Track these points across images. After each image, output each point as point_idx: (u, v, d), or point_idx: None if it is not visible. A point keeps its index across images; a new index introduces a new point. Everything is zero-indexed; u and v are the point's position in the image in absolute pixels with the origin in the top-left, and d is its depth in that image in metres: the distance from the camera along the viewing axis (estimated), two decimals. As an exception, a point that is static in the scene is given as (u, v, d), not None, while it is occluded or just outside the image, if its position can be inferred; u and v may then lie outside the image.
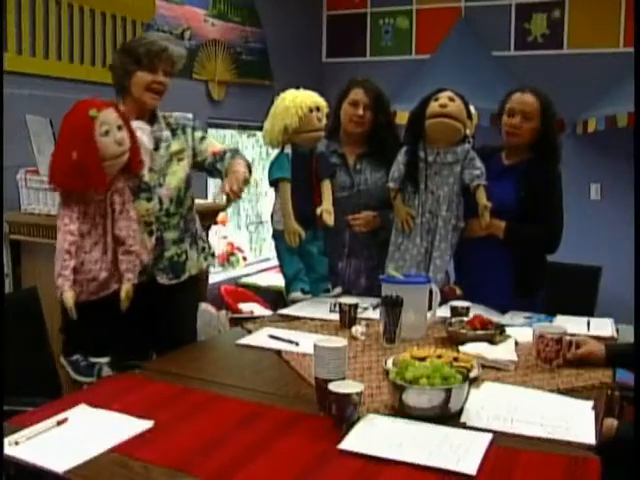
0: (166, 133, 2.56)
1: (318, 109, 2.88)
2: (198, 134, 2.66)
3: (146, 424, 1.68)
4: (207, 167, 2.65)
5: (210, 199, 4.46)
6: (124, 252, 2.38)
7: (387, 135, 3.11)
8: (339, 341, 1.86)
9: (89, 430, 1.65)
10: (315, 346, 1.82)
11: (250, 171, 2.55)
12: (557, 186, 2.90)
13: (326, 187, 2.89)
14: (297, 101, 2.84)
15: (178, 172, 2.57)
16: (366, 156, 3.16)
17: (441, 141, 2.88)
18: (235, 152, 2.63)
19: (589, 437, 1.66)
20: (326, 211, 2.80)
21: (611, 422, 1.84)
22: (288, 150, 2.89)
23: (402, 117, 4.25)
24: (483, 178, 2.84)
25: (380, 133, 3.11)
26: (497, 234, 2.84)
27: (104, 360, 2.37)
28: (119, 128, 2.29)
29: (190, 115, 2.67)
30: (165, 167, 2.54)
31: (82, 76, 3.68)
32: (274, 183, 2.90)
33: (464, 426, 1.70)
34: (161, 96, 2.52)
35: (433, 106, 2.84)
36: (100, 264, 2.34)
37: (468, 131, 2.91)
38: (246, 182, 2.46)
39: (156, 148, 2.52)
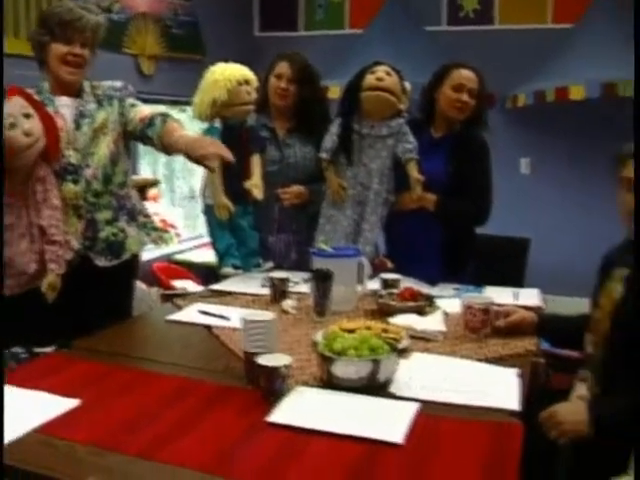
0: (92, 106, 2.46)
1: (247, 82, 2.84)
2: (128, 102, 2.56)
3: (72, 403, 1.64)
4: (138, 134, 2.54)
5: (140, 175, 4.37)
6: (47, 242, 2.30)
7: (315, 109, 3.09)
8: (267, 315, 1.85)
9: (13, 411, 1.59)
10: (243, 320, 1.81)
11: None
12: (486, 159, 2.94)
13: (256, 161, 2.86)
14: (226, 74, 2.80)
15: (102, 148, 2.47)
16: (295, 130, 3.14)
17: (376, 114, 2.88)
18: (165, 116, 2.50)
19: (513, 403, 1.69)
20: (255, 185, 2.77)
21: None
22: (217, 124, 2.85)
23: (334, 92, 4.26)
24: (415, 152, 2.85)
25: (307, 107, 3.08)
26: (427, 207, 2.87)
27: (49, 349, 2.29)
28: (26, 116, 2.20)
29: (118, 84, 2.56)
30: (89, 145, 2.45)
31: (5, 48, 3.54)
32: (204, 157, 2.85)
33: (393, 396, 1.71)
34: (80, 69, 2.41)
35: (369, 79, 2.84)
36: (29, 256, 2.27)
37: (402, 106, 2.92)
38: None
39: (78, 126, 2.43)
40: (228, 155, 2.32)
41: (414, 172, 2.82)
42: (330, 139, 2.94)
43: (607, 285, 1.98)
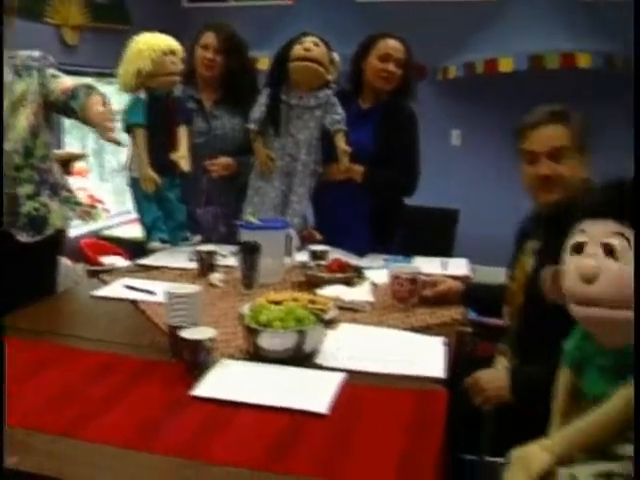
0: (9, 77, 2.37)
1: (173, 53, 2.78)
2: (48, 72, 2.45)
3: (-9, 382, 1.59)
4: (61, 107, 2.44)
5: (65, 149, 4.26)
6: None
7: (242, 80, 3.05)
8: (190, 288, 1.82)
9: None
10: (166, 293, 1.77)
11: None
12: (414, 130, 2.95)
13: (182, 133, 2.82)
14: (150, 44, 2.73)
15: (22, 121, 2.37)
16: (222, 101, 3.09)
17: (304, 85, 2.86)
18: (88, 88, 2.40)
19: (439, 371, 1.71)
20: (182, 157, 2.73)
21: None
22: (143, 95, 2.78)
23: (263, 63, 4.21)
24: (343, 123, 2.85)
25: (234, 77, 3.04)
26: (355, 178, 2.87)
27: None
28: None
29: (37, 53, 2.46)
30: (8, 117, 2.34)
31: None
32: (129, 129, 2.79)
33: (319, 367, 1.71)
34: None
35: (297, 49, 2.81)
36: None
37: (330, 77, 2.90)
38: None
39: None
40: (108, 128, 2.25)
41: (341, 143, 2.81)
42: (258, 110, 2.91)
43: (520, 258, 2.02)
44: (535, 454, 1.35)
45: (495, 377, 1.86)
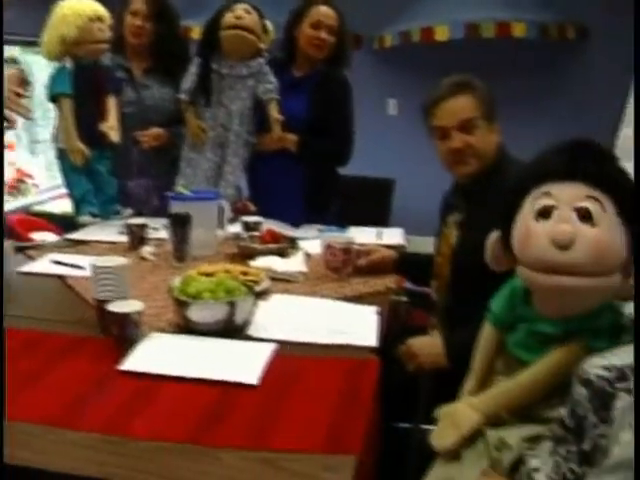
0: None
1: (100, 19, 2.69)
2: None
3: None
4: None
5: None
6: None
7: (172, 48, 2.98)
8: (117, 260, 1.77)
9: None
10: (92, 266, 1.73)
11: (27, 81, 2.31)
12: (348, 99, 2.92)
13: (111, 103, 2.74)
14: (75, 9, 2.64)
15: None
16: (152, 70, 3.02)
17: (235, 54, 2.81)
18: (13, 62, 2.34)
19: (371, 340, 1.71)
20: (111, 128, 2.66)
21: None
22: (68, 64, 2.69)
23: (196, 32, 4.11)
24: (276, 92, 2.81)
25: (164, 45, 2.96)
26: (289, 148, 2.84)
27: None
28: None
29: None
30: None
31: None
32: (54, 99, 2.70)
33: (250, 338, 1.69)
34: None
35: (228, 17, 2.75)
36: None
37: (263, 45, 2.85)
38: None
39: None
40: None
41: (274, 112, 2.78)
42: (189, 79, 2.85)
43: (444, 231, 2.03)
44: (465, 412, 1.36)
45: (430, 344, 1.87)
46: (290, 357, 1.59)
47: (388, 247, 2.39)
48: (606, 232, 1.20)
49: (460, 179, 1.96)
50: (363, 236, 2.54)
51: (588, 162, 1.25)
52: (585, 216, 1.20)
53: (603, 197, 1.22)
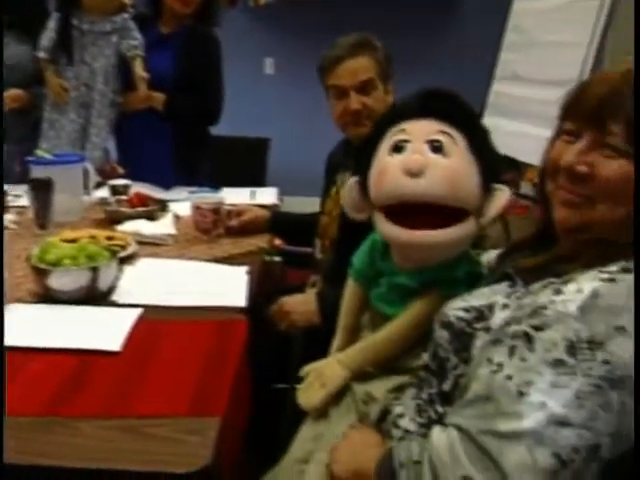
0: None
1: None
2: None
3: None
4: None
5: None
6: None
7: (26, 2, 2.82)
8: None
9: None
10: (-62, 236, 1.63)
11: None
12: (216, 56, 2.86)
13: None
14: None
15: None
16: (8, 27, 2.86)
17: (97, 9, 2.70)
18: None
19: (240, 300, 1.69)
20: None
21: None
22: None
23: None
24: (141, 49, 2.72)
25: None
26: (156, 107, 2.76)
27: None
28: None
29: None
30: None
31: None
32: None
33: (115, 304, 1.64)
34: None
35: None
36: None
37: (127, 0, 2.74)
38: None
39: None
40: None
41: (139, 70, 2.69)
42: (48, 36, 2.71)
43: (331, 190, 2.02)
44: (331, 369, 1.37)
45: (303, 301, 1.87)
46: (156, 321, 1.55)
47: (261, 207, 2.37)
48: (457, 162, 1.23)
49: (354, 139, 1.96)
50: (236, 197, 2.51)
51: (441, 101, 1.29)
52: (437, 148, 1.23)
53: (455, 132, 1.25)
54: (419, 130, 1.26)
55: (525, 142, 2.74)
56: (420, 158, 1.22)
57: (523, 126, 3.06)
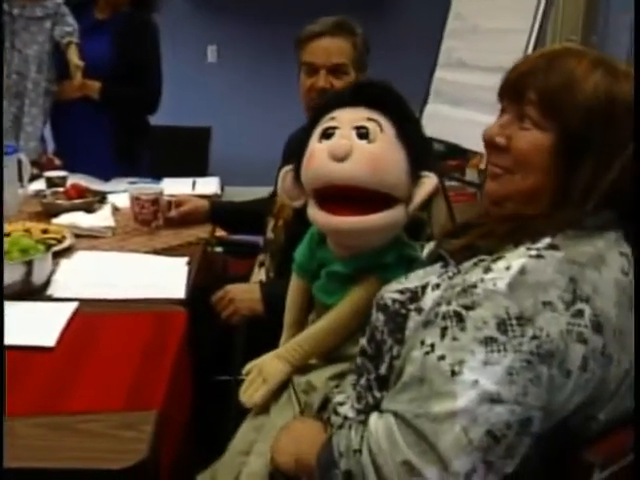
0: None
1: None
2: None
3: None
4: None
5: None
6: None
7: None
8: None
9: None
10: None
11: None
12: (154, 42, 2.81)
13: None
14: None
15: None
16: None
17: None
18: None
19: (179, 292, 1.67)
20: None
21: None
22: None
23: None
24: (76, 35, 2.64)
25: None
26: (92, 96, 2.69)
27: None
28: None
29: None
30: None
31: None
32: None
33: (51, 299, 1.60)
34: None
35: None
36: None
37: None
38: None
39: None
40: None
41: (74, 57, 2.61)
42: (-26, 21, 2.61)
43: None
44: (271, 365, 1.36)
45: (247, 290, 1.85)
46: (93, 315, 1.52)
47: (201, 197, 2.34)
48: (382, 148, 1.26)
49: None
50: (178, 187, 2.47)
51: (371, 89, 1.32)
52: (363, 134, 1.26)
53: (383, 119, 1.28)
54: (348, 117, 1.28)
55: (470, 129, 2.75)
56: (346, 143, 1.24)
57: (467, 113, 3.07)
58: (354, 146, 1.24)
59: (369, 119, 1.26)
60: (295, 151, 1.38)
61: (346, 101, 1.31)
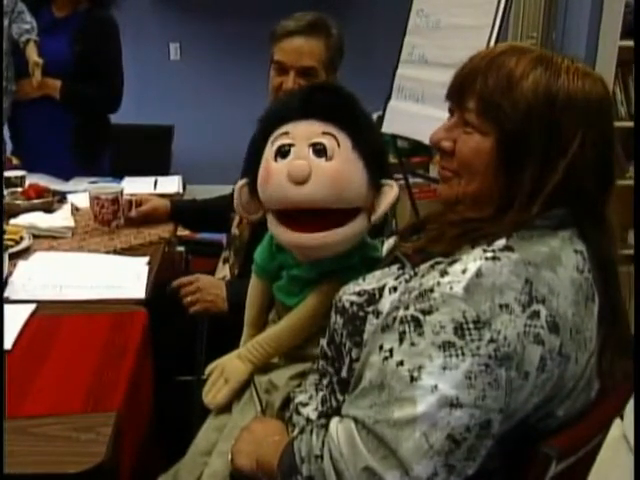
0: None
1: None
2: None
3: None
4: None
5: None
6: None
7: None
8: None
9: None
10: None
11: None
12: (114, 40, 2.77)
13: None
14: None
15: None
16: None
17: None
18: None
19: (140, 292, 1.66)
20: None
21: None
22: None
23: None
24: (34, 33, 2.60)
25: None
26: (52, 94, 2.65)
27: None
28: None
29: None
30: None
31: None
32: None
33: (7, 301, 1.57)
34: None
35: None
36: None
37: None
38: None
39: None
40: None
41: (33, 55, 2.56)
42: None
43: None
44: (233, 365, 1.36)
45: (215, 284, 1.83)
46: (51, 317, 1.51)
47: (163, 196, 2.31)
48: (341, 165, 1.21)
49: None
50: (139, 186, 2.45)
51: (322, 99, 1.26)
52: (319, 151, 1.21)
53: (338, 132, 1.22)
54: (302, 133, 1.23)
55: (431, 126, 2.74)
56: (304, 165, 1.19)
57: (429, 110, 3.07)
58: (313, 166, 1.19)
59: (324, 133, 1.22)
60: (248, 164, 1.34)
61: (298, 114, 1.25)
